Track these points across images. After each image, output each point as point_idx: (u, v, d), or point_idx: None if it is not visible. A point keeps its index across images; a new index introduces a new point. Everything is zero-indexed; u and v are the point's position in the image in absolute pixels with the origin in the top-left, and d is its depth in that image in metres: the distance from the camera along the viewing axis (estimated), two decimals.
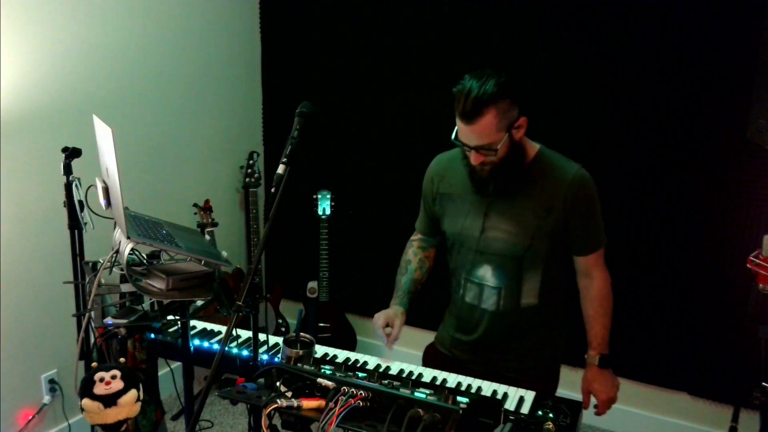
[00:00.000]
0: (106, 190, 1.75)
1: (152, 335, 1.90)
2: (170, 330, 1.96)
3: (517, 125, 1.77)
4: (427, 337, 2.22)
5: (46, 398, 2.73)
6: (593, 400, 1.93)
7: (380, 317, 1.93)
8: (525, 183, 1.85)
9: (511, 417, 1.52)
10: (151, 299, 1.78)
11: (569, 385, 2.06)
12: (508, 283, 1.90)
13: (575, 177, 1.84)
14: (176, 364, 2.04)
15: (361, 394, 1.27)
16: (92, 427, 1.70)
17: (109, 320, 1.75)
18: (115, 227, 1.79)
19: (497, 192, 1.86)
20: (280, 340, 1.85)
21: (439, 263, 2.13)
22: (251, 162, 3.50)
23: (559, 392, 1.98)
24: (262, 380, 1.41)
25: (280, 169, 1.50)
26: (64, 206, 2.01)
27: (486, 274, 1.93)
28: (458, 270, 2.01)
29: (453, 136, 1.80)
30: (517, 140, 1.79)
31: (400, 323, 1.93)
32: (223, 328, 2.06)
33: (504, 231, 1.87)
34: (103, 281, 1.74)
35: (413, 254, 2.13)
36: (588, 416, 1.84)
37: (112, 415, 1.52)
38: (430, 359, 2.13)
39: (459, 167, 1.92)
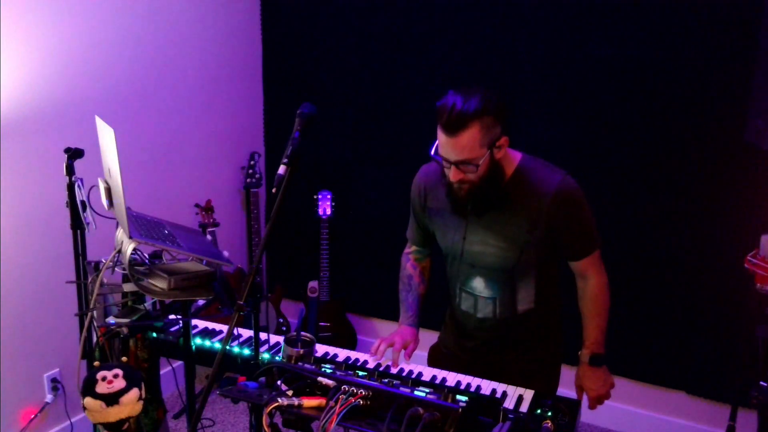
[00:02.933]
0: (109, 191, 1.77)
1: (154, 334, 1.91)
2: (172, 329, 1.98)
3: (499, 144, 1.74)
4: (431, 337, 2.24)
5: (49, 397, 2.75)
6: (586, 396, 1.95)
7: (398, 343, 1.94)
8: (506, 200, 1.83)
9: (510, 416, 1.53)
10: (153, 299, 1.79)
11: (569, 384, 2.06)
12: (503, 293, 1.91)
13: (557, 190, 1.80)
14: (178, 363, 2.05)
15: (361, 392, 1.28)
16: (94, 425, 1.71)
17: (111, 319, 1.76)
18: (117, 227, 1.81)
19: (475, 212, 1.85)
20: (281, 339, 1.86)
21: (438, 265, 2.14)
22: (252, 163, 3.52)
23: (559, 391, 1.99)
24: (263, 379, 1.42)
25: (281, 169, 1.50)
26: (67, 207, 2.02)
27: (479, 285, 1.93)
28: (453, 280, 2.02)
29: (432, 150, 1.77)
30: (496, 159, 1.77)
31: (414, 347, 1.99)
32: (225, 328, 2.07)
33: (492, 245, 1.86)
34: (105, 281, 1.76)
35: (412, 268, 2.13)
36: (586, 415, 1.85)
37: (114, 413, 1.53)
38: (435, 359, 2.14)
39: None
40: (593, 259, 1.92)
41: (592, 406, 1.96)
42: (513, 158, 1.85)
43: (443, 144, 1.73)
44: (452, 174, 1.75)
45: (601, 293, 1.93)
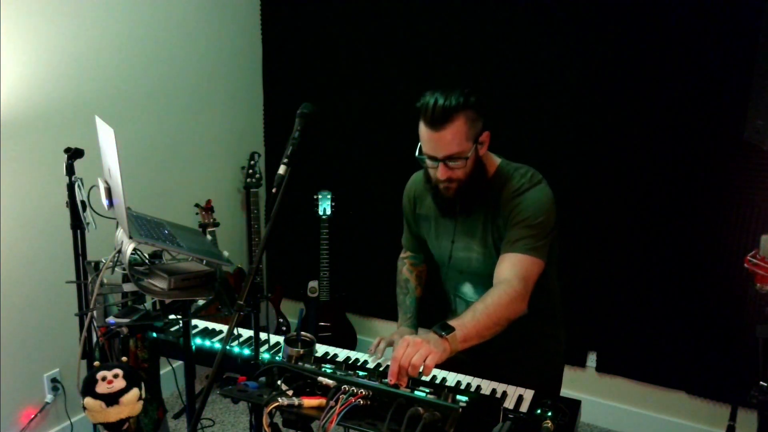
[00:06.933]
0: (109, 191, 1.76)
1: (154, 334, 1.91)
2: (172, 329, 1.98)
3: (481, 140, 1.74)
4: None
5: (49, 397, 2.75)
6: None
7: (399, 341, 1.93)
8: (487, 201, 1.81)
9: (510, 415, 1.53)
10: (153, 299, 1.79)
11: (569, 384, 2.06)
12: None
13: (519, 188, 1.77)
14: (178, 363, 2.05)
15: (361, 392, 1.28)
16: (94, 425, 1.71)
17: (111, 319, 1.75)
18: (117, 227, 1.80)
19: (464, 211, 1.83)
20: (281, 339, 1.86)
21: (436, 268, 2.14)
22: (252, 162, 3.52)
23: (561, 392, 1.99)
24: (263, 379, 1.42)
25: (281, 169, 1.50)
26: (67, 206, 2.02)
27: (469, 291, 1.94)
28: (446, 286, 2.03)
29: (417, 152, 1.75)
30: (480, 156, 1.76)
31: None
32: (225, 328, 2.07)
33: (475, 251, 1.86)
34: (105, 281, 1.75)
35: (408, 272, 2.14)
36: (587, 415, 1.84)
37: (114, 413, 1.53)
38: None
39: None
40: (519, 266, 1.69)
41: (392, 368, 1.44)
42: (493, 160, 1.86)
43: (429, 141, 1.71)
44: (440, 172, 1.73)
45: (505, 305, 1.62)
